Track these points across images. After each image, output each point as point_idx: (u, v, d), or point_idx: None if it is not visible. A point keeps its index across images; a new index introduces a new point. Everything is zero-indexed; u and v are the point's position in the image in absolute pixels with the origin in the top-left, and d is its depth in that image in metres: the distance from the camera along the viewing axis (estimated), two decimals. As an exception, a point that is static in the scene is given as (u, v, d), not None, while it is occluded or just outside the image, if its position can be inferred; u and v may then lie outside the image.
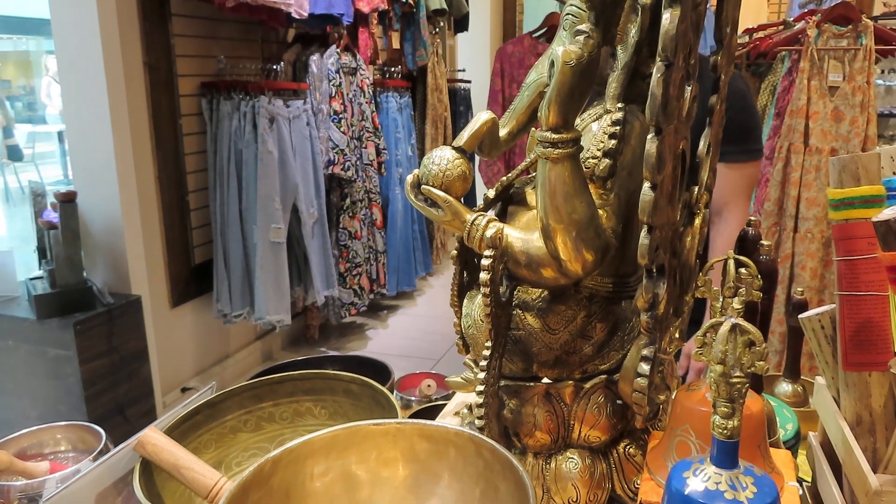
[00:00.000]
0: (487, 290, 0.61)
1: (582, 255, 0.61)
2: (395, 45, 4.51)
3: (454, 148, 0.69)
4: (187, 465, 0.79)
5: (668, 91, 0.49)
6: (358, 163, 3.97)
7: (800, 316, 0.94)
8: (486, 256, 0.61)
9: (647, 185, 0.51)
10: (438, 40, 5.06)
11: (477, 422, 0.64)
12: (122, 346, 2.60)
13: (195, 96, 3.08)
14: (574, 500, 0.69)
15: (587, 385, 0.68)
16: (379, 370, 1.20)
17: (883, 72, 5.43)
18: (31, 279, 2.54)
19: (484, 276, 0.61)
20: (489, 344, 0.64)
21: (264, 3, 2.84)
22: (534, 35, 3.29)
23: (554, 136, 0.58)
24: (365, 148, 4.05)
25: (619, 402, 0.69)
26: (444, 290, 5.46)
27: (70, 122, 2.62)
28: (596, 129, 0.66)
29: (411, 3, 4.36)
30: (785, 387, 1.21)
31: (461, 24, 5.45)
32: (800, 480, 1.08)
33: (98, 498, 0.78)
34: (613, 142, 0.63)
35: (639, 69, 0.65)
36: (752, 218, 0.84)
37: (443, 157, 0.68)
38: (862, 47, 2.50)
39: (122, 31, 2.58)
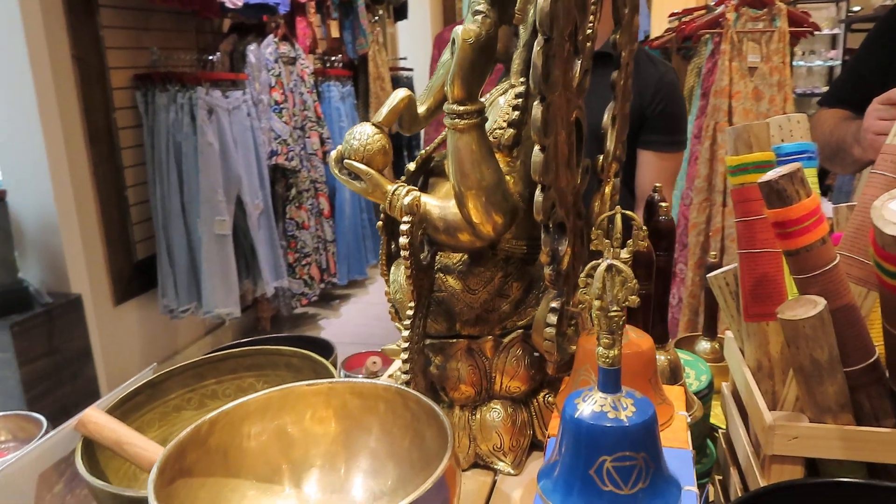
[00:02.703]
0: (407, 253, 0.66)
1: (492, 218, 0.66)
2: (335, 33, 4.50)
3: (374, 124, 0.74)
4: (129, 440, 0.81)
5: (549, 62, 0.54)
6: (302, 153, 3.96)
7: (707, 275, 1.02)
8: (404, 223, 0.66)
9: (536, 147, 0.56)
10: (379, 28, 5.06)
11: (403, 376, 0.69)
12: (64, 346, 2.56)
13: (129, 89, 3.03)
14: (498, 446, 0.75)
15: (505, 340, 0.74)
16: (322, 347, 1.23)
17: (804, 53, 5.69)
18: (-37, 282, 2.47)
19: (403, 240, 0.66)
20: (412, 304, 0.69)
21: (197, -8, 2.81)
22: (470, 21, 3.34)
23: (459, 108, 0.63)
24: (308, 138, 4.04)
25: (535, 354, 0.75)
26: (394, 277, 5.49)
27: (-4, 119, 2.55)
28: (503, 102, 0.71)
29: (349, -9, 4.36)
30: (704, 344, 1.31)
31: (400, 12, 5.46)
32: (715, 428, 1.17)
33: (40, 478, 0.80)
34: (517, 113, 0.68)
35: (539, 45, 0.71)
36: (658, 184, 0.91)
37: (363, 133, 0.72)
38: (777, 29, 2.64)
39: (46, 23, 2.51)
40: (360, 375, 1.54)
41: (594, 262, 0.48)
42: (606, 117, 0.84)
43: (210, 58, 3.27)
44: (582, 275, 0.48)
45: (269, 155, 3.64)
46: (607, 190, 0.88)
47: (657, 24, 5.29)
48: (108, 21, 2.86)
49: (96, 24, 2.80)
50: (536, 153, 0.56)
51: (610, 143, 0.86)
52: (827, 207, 1.00)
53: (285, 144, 3.72)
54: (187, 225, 3.17)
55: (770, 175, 0.78)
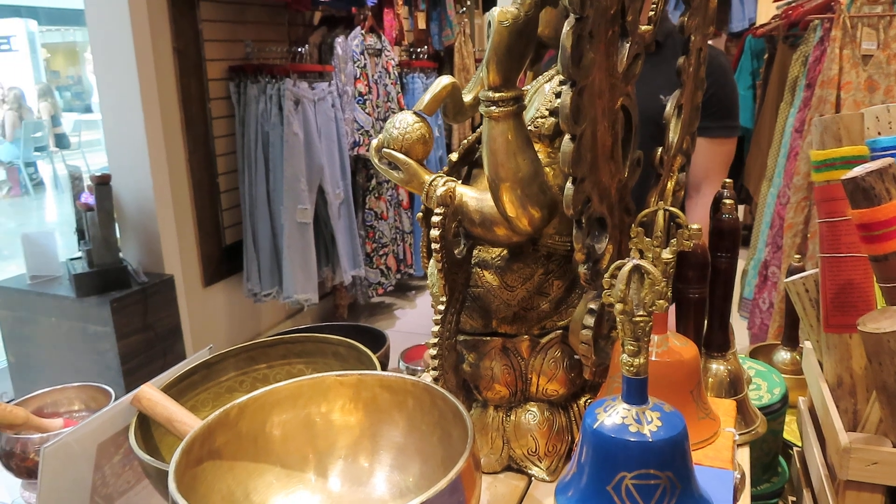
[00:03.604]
0: (438, 246, 0.64)
1: (528, 212, 0.63)
2: (422, 25, 4.52)
3: (415, 112, 0.72)
4: (180, 418, 0.84)
5: (581, 44, 0.50)
6: (385, 144, 4.00)
7: (785, 280, 0.94)
8: (437, 214, 0.64)
9: (566, 137, 0.53)
10: (466, 20, 5.04)
11: (432, 373, 0.67)
12: (157, 322, 2.72)
13: (223, 80, 3.16)
14: (533, 450, 0.72)
15: (543, 340, 0.70)
16: (376, 337, 1.24)
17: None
18: (72, 259, 2.67)
19: (434, 232, 0.63)
20: (444, 299, 0.67)
21: (289, -14, 2.89)
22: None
23: (495, 94, 0.60)
24: (392, 129, 4.07)
25: (575, 356, 0.71)
26: (475, 270, 5.47)
27: (105, 108, 2.72)
28: (548, 89, 0.68)
29: (437, -18, 4.36)
30: (783, 354, 1.21)
31: (490, 1, 5.42)
32: (789, 444, 1.08)
33: (99, 449, 0.84)
34: (559, 100, 0.64)
35: (590, 29, 0.66)
36: (728, 180, 0.84)
37: (403, 121, 0.71)
38: (898, 13, 2.41)
39: (151, 17, 2.66)
40: (420, 367, 1.54)
41: (619, 262, 0.44)
42: (670, 106, 0.78)
43: (299, 50, 3.36)
44: (606, 276, 0.44)
45: (352, 145, 3.70)
46: (669, 185, 0.82)
47: (763, 10, 4.98)
48: (206, 15, 3.00)
49: (196, 17, 2.94)
50: (566, 143, 0.52)
51: (673, 135, 0.80)
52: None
53: (367, 135, 3.78)
54: (271, 212, 3.28)
55: (856, 171, 0.71)
